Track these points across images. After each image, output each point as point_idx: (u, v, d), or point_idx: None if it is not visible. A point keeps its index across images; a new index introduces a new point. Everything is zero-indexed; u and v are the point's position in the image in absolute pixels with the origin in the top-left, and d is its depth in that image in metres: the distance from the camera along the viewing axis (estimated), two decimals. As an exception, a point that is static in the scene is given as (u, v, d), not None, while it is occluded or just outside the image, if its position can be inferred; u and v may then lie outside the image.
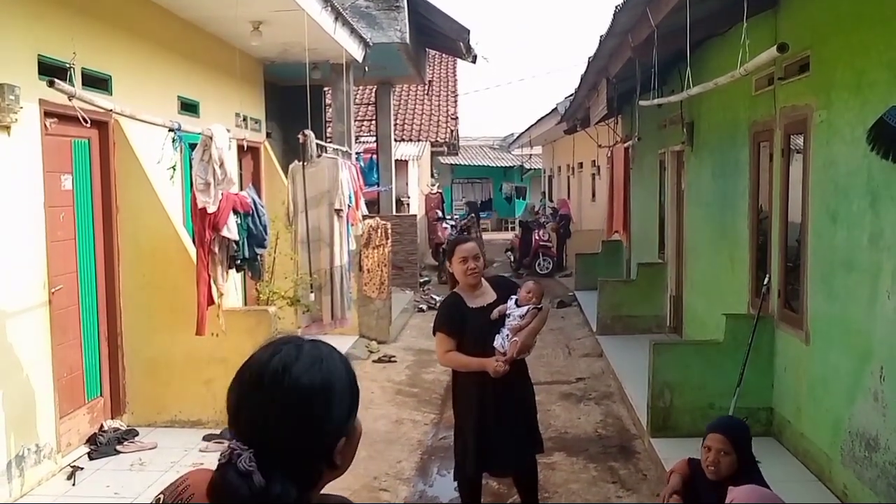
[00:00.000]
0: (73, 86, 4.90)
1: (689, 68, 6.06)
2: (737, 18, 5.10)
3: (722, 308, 7.19)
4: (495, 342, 4.50)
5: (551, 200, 25.48)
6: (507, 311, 4.56)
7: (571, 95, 13.92)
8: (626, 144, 12.41)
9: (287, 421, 1.34)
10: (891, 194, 4.53)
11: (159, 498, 1.46)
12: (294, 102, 10.91)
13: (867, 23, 4.85)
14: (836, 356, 5.27)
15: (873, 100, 4.64)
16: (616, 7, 6.92)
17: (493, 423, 4.54)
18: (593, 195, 19.20)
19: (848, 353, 5.08)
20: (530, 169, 32.84)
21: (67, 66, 5.15)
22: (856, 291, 4.97)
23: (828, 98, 5.37)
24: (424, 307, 13.81)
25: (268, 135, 11.05)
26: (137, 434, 6.46)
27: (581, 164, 20.92)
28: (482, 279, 4.70)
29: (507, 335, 4.49)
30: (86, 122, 5.09)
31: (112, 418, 6.58)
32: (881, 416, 4.60)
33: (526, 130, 25.41)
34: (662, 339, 9.13)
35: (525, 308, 4.55)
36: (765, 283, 6.38)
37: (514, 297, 4.63)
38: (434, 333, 4.71)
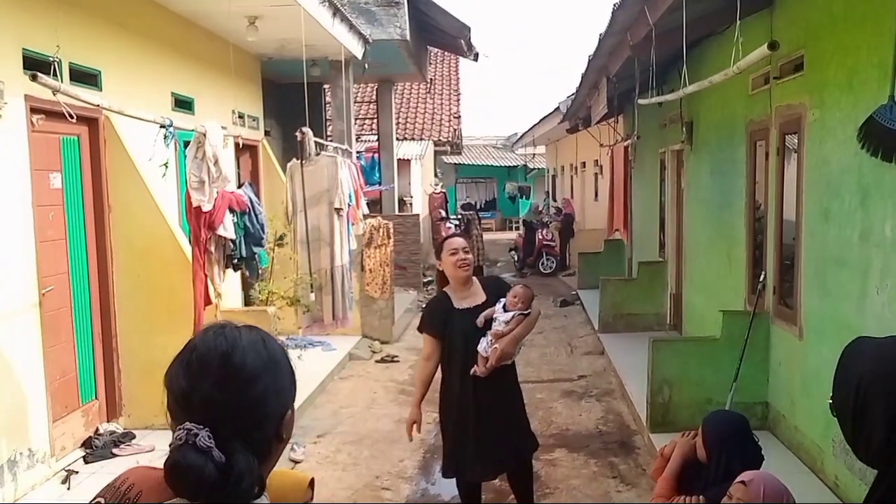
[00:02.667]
0: (59, 80, 4.78)
1: (685, 67, 6.10)
2: (733, 18, 5.17)
3: (720, 305, 7.29)
4: (479, 346, 4.41)
5: (555, 200, 25.38)
6: (494, 316, 4.45)
7: (573, 94, 13.85)
8: (626, 143, 12.39)
9: (239, 398, 1.37)
10: (880, 192, 4.58)
11: (99, 502, 1.40)
12: (293, 100, 10.82)
13: (858, 22, 4.91)
14: (829, 351, 5.32)
15: (864, 98, 4.68)
16: (614, 5, 6.93)
17: (475, 429, 4.46)
18: (596, 194, 19.14)
19: (840, 347, 4.94)
20: (534, 168, 32.75)
21: (51, 58, 5.01)
22: (847, 287, 5.03)
23: (821, 97, 5.43)
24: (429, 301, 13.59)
25: (266, 133, 10.96)
26: (134, 437, 6.34)
27: (584, 164, 20.86)
28: (474, 279, 4.62)
29: (491, 340, 4.39)
30: (71, 117, 4.96)
31: (108, 421, 6.47)
32: None
33: (529, 130, 25.34)
34: (663, 337, 9.21)
35: (511, 314, 4.43)
36: (760, 280, 6.53)
37: (503, 300, 4.53)
38: (420, 331, 4.66)
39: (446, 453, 4.69)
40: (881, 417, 1.43)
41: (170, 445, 1.33)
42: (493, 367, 4.36)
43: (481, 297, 4.55)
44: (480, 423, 4.45)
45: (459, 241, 4.61)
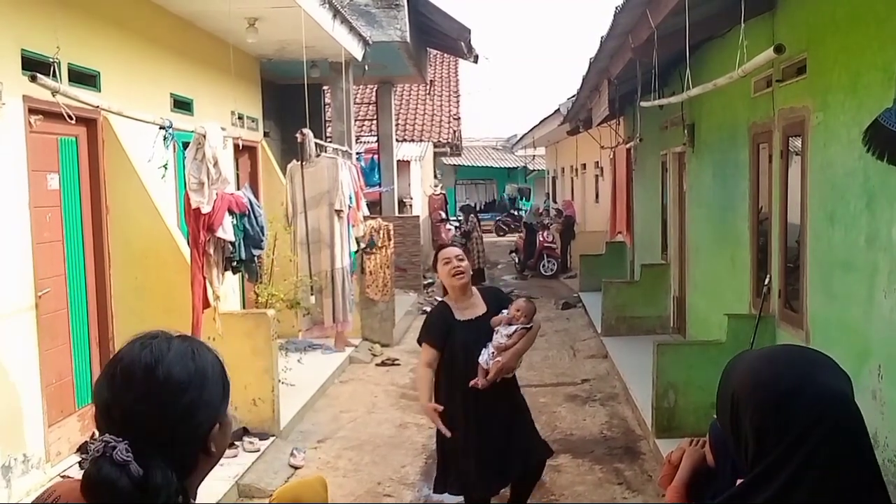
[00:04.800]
0: (58, 81, 4.72)
1: (688, 70, 6.09)
2: (735, 20, 5.18)
3: (724, 308, 7.25)
4: (480, 358, 4.37)
5: (555, 202, 25.33)
6: (496, 329, 4.43)
7: (574, 96, 13.83)
8: (628, 146, 12.39)
9: (162, 412, 1.36)
10: (887, 195, 4.55)
11: None
12: (292, 101, 10.77)
13: (862, 25, 4.87)
14: (836, 355, 5.09)
15: (868, 102, 4.65)
16: (616, 8, 6.93)
17: (476, 440, 4.39)
18: (597, 196, 19.11)
19: (847, 352, 5.08)
20: (534, 170, 32.72)
21: (51, 60, 4.96)
22: (853, 291, 4.99)
23: (824, 100, 5.39)
24: (428, 309, 13.55)
25: (265, 134, 10.90)
26: (130, 442, 6.24)
27: (584, 166, 20.82)
28: (474, 289, 4.58)
29: (493, 353, 4.36)
30: (70, 118, 4.88)
31: (104, 426, 6.37)
32: (880, 414, 4.62)
33: (529, 131, 25.31)
34: (666, 340, 9.16)
35: (513, 328, 4.41)
36: (765, 283, 6.47)
37: (505, 311, 4.51)
38: (419, 343, 4.59)
39: (441, 468, 4.62)
40: (750, 429, 1.47)
41: (87, 458, 1.33)
42: (494, 380, 4.32)
43: (482, 308, 4.52)
44: (481, 435, 4.39)
45: (452, 251, 4.58)
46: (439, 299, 4.72)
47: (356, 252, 9.64)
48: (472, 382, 4.33)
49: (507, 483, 4.66)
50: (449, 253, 4.53)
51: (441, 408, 4.31)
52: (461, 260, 4.50)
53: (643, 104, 8.00)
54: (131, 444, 1.31)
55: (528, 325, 4.45)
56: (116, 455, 1.29)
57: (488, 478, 4.46)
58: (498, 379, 4.33)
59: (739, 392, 1.52)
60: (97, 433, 1.39)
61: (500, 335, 4.38)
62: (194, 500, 1.45)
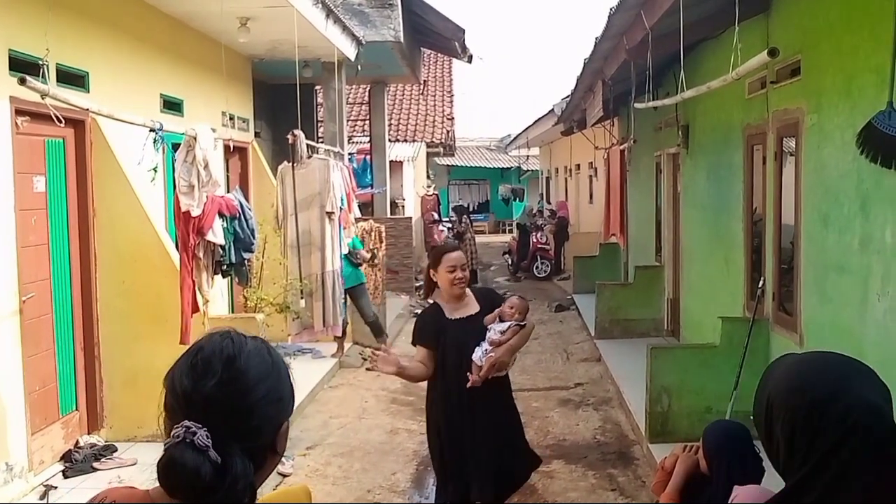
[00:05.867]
0: (47, 83, 4.64)
1: (682, 71, 6.07)
2: (729, 22, 5.27)
3: (718, 311, 7.24)
4: (474, 355, 4.30)
5: (549, 202, 25.26)
6: (489, 326, 4.37)
7: (568, 97, 13.79)
8: (622, 147, 12.32)
9: (241, 401, 1.38)
10: (880, 198, 4.55)
11: None
12: (284, 101, 10.68)
13: (856, 27, 4.89)
14: None
15: (862, 104, 4.66)
16: (611, 9, 6.94)
17: (472, 441, 4.31)
18: (591, 197, 19.07)
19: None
20: (528, 170, 32.65)
21: (40, 62, 4.88)
22: (847, 294, 5.00)
23: (818, 102, 5.43)
24: (420, 311, 13.46)
25: (256, 134, 10.81)
26: (116, 450, 6.16)
27: (578, 166, 20.78)
28: (467, 290, 4.50)
29: (487, 349, 4.29)
30: (59, 121, 4.79)
31: (88, 433, 6.28)
32: None
33: (523, 131, 25.25)
34: (660, 343, 9.17)
35: (507, 324, 4.36)
36: (759, 285, 6.51)
37: (497, 310, 4.45)
38: (413, 345, 4.51)
39: (441, 478, 4.51)
40: (782, 432, 1.48)
41: (164, 444, 1.33)
42: (486, 375, 4.23)
43: (475, 307, 4.45)
44: (475, 436, 4.31)
45: (457, 258, 4.44)
46: (431, 301, 4.62)
47: (359, 266, 9.56)
48: (469, 384, 4.24)
49: (498, 489, 4.57)
50: (454, 260, 4.40)
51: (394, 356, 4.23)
52: (464, 269, 4.42)
53: (637, 105, 7.99)
54: (210, 433, 1.31)
55: (523, 323, 4.39)
56: (198, 440, 1.30)
57: (480, 480, 4.37)
58: (490, 375, 4.25)
59: (774, 396, 1.52)
60: (164, 423, 1.39)
61: (494, 331, 4.33)
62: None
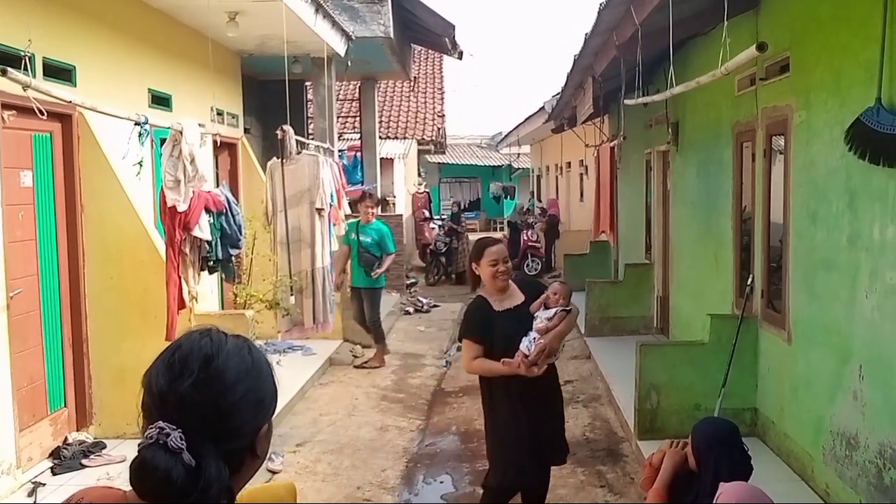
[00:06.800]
0: (31, 75, 4.58)
1: (672, 67, 6.08)
2: (719, 18, 5.26)
3: (707, 308, 7.24)
4: (521, 345, 4.28)
5: (540, 200, 25.27)
6: (535, 314, 4.38)
7: (558, 94, 13.76)
8: (612, 144, 12.29)
9: (217, 402, 1.34)
10: (868, 194, 4.56)
11: None
12: (274, 97, 10.65)
13: (844, 24, 4.90)
14: (818, 356, 5.34)
15: (850, 100, 4.67)
16: (600, 5, 6.92)
17: (524, 430, 4.33)
18: (581, 195, 19.05)
19: (828, 352, 5.16)
20: (518, 168, 32.64)
21: (23, 53, 4.81)
22: (835, 291, 5.02)
23: (807, 99, 5.43)
24: (411, 310, 13.55)
25: (246, 130, 10.76)
26: (105, 447, 6.11)
27: (569, 164, 20.78)
28: (510, 282, 4.52)
29: (535, 338, 4.29)
30: (42, 114, 4.72)
31: (77, 430, 6.23)
32: (861, 415, 4.66)
33: (514, 129, 25.23)
34: (650, 341, 9.15)
35: (553, 310, 4.37)
36: (748, 283, 6.51)
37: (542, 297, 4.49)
38: (460, 340, 4.53)
39: (499, 461, 4.47)
40: None
41: (139, 445, 1.29)
42: (535, 361, 4.21)
43: (520, 297, 4.47)
44: (530, 424, 4.33)
45: (499, 251, 4.44)
46: (479, 294, 4.60)
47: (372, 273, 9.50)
48: (512, 366, 4.19)
49: (543, 477, 4.57)
50: (496, 254, 4.41)
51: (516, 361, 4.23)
52: (507, 262, 4.44)
53: (627, 102, 7.96)
54: (184, 434, 1.28)
55: (568, 308, 4.40)
56: (171, 442, 1.26)
57: (534, 468, 4.41)
58: (540, 361, 4.24)
59: None
60: (141, 423, 1.35)
61: (541, 319, 4.33)
62: None
